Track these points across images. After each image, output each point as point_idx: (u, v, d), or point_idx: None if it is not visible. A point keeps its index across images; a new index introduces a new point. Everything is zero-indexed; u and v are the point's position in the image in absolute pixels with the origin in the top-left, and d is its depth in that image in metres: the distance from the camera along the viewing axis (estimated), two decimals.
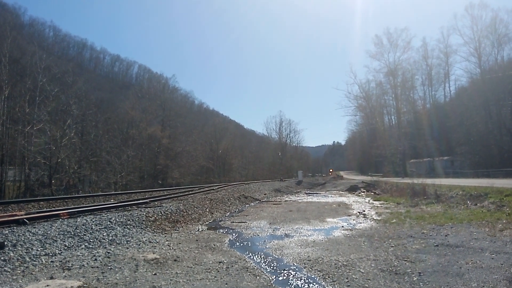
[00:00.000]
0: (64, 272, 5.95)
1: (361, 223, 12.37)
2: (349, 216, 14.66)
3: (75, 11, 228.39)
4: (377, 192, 28.90)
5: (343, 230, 10.89)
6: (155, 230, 10.43)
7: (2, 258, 6.12)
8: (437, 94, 68.52)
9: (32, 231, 7.85)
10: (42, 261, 6.41)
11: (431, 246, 7.80)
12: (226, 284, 5.57)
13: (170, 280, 5.71)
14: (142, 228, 10.18)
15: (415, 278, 5.57)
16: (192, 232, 10.89)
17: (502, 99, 46.01)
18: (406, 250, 7.59)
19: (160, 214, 12.31)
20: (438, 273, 5.75)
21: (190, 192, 22.74)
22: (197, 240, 9.43)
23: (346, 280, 5.63)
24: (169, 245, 8.52)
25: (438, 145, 54.59)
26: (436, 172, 44.80)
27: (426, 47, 64.62)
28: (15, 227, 8.28)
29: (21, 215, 9.73)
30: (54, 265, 6.27)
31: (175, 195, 19.87)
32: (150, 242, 8.81)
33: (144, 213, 11.87)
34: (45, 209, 12.59)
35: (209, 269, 6.40)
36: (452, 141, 52.73)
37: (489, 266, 6.01)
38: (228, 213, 16.65)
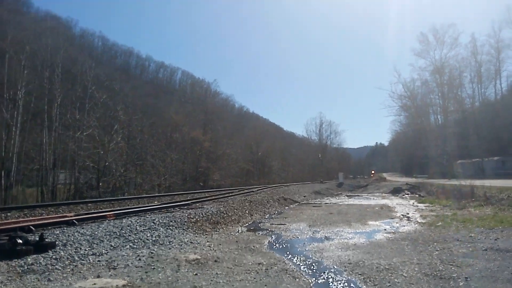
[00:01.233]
0: (110, 271, 6.18)
1: (404, 226, 12.00)
2: (392, 219, 14.26)
3: (122, 21, 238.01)
4: (422, 194, 27.90)
5: (386, 233, 10.61)
6: (196, 231, 10.62)
7: (53, 257, 6.46)
8: (487, 91, 64.45)
9: (81, 231, 8.25)
10: (89, 260, 6.71)
11: (479, 250, 7.43)
12: (265, 285, 5.59)
13: (211, 280, 5.79)
14: (184, 229, 10.40)
15: (461, 284, 5.34)
16: (232, 233, 11.01)
17: None
18: (452, 254, 7.28)
19: (201, 216, 12.53)
20: (487, 279, 5.48)
21: (230, 194, 22.97)
22: (237, 242, 9.51)
23: (388, 284, 5.48)
24: (209, 246, 8.65)
25: (488, 145, 51.69)
26: (486, 173, 42.59)
27: (475, 43, 61.15)
28: (65, 228, 8.74)
29: (71, 216, 10.25)
30: (101, 264, 6.53)
31: (216, 197, 20.14)
32: (191, 243, 8.98)
33: (186, 215, 12.13)
34: (93, 211, 13.15)
35: (249, 270, 6.45)
36: (503, 140, 49.69)
37: None
38: (268, 215, 16.67)
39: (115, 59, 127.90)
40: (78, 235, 7.90)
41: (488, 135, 53.68)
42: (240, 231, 11.57)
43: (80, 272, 6.01)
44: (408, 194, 30.21)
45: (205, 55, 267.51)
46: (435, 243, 8.47)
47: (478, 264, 6.33)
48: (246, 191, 27.33)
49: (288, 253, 8.25)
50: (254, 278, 5.94)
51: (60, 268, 6.11)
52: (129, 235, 8.66)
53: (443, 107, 63.37)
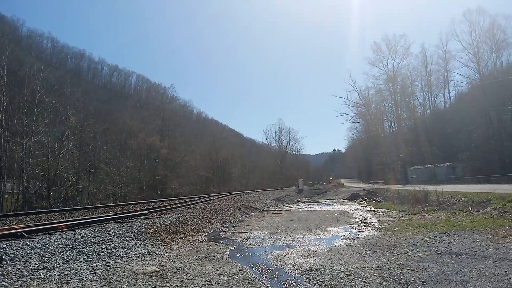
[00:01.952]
0: (62, 286, 5.85)
1: (363, 231, 12.29)
2: (351, 224, 14.58)
3: (72, 22, 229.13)
4: (378, 200, 28.81)
5: (345, 239, 10.82)
6: (154, 242, 10.32)
7: (0, 272, 6.04)
8: (437, 100, 68.81)
9: (30, 244, 7.75)
10: (40, 275, 6.32)
11: (434, 254, 7.72)
12: None
13: None
14: (141, 240, 10.08)
15: (418, 287, 5.50)
16: (192, 243, 10.81)
17: (502, 104, 46.07)
18: (408, 258, 7.51)
19: (159, 226, 12.21)
20: (442, 282, 5.68)
21: (190, 203, 22.64)
22: (197, 252, 9.34)
23: None
24: (168, 257, 8.43)
25: (439, 152, 54.57)
26: (438, 178, 44.79)
27: (425, 53, 65.00)
28: (13, 241, 8.19)
29: (19, 228, 9.64)
30: (53, 279, 6.17)
31: (175, 206, 19.78)
32: (149, 254, 8.71)
33: (143, 225, 11.76)
34: (43, 222, 12.50)
35: (210, 281, 6.32)
36: (453, 147, 52.68)
37: (493, 273, 5.93)
38: (228, 224, 16.56)
39: (65, 61, 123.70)
40: (27, 248, 7.41)
41: (439, 142, 56.72)
42: (200, 241, 11.38)
43: None
44: (365, 200, 31.06)
45: (161, 59, 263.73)
46: (393, 248, 8.72)
47: (434, 268, 6.56)
48: (206, 199, 27.06)
49: (249, 262, 8.19)
50: None
51: (7, 284, 5.70)
52: (83, 247, 8.25)
53: (396, 115, 65.99)
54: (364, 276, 6.29)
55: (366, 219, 16.00)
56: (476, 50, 53.46)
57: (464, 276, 5.93)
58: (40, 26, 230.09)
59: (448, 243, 8.80)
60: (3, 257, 6.65)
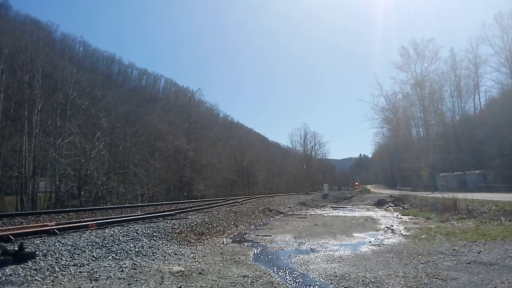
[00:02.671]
0: (91, 283, 6.01)
1: (389, 238, 12.05)
2: (377, 231, 14.32)
3: (104, 26, 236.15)
4: (405, 207, 28.14)
5: (371, 245, 10.64)
6: (180, 242, 10.46)
7: (33, 267, 6.26)
8: (467, 105, 66.33)
9: (62, 241, 8.02)
10: (70, 271, 6.51)
11: (463, 264, 7.48)
12: None
13: None
14: (168, 240, 10.23)
15: None
16: (217, 244, 10.88)
17: None
18: (436, 267, 7.31)
19: (185, 226, 12.37)
20: None
21: (215, 205, 22.81)
22: (222, 253, 9.40)
23: None
24: (194, 258, 8.52)
25: (469, 158, 52.85)
26: (467, 186, 43.42)
27: (455, 58, 63.11)
28: (46, 237, 8.51)
29: (52, 225, 9.99)
30: (82, 276, 6.35)
31: (200, 207, 19.98)
32: (175, 254, 8.83)
33: (170, 225, 11.95)
34: (74, 220, 12.89)
35: (234, 282, 6.35)
36: (483, 154, 50.86)
37: None
38: (253, 226, 16.58)
39: (97, 65, 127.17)
40: (59, 245, 7.67)
41: (468, 149, 54.91)
42: (225, 243, 11.44)
43: (60, 284, 5.82)
44: (392, 206, 30.42)
45: (189, 63, 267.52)
46: (420, 256, 8.52)
47: (462, 278, 6.37)
48: (231, 201, 27.20)
49: (273, 265, 8.18)
50: None
51: (39, 279, 5.91)
52: (112, 246, 8.46)
53: (425, 120, 64.66)
54: (390, 284, 6.16)
55: (392, 226, 15.68)
56: (508, 54, 51.83)
57: (495, 287, 5.73)
58: (73, 30, 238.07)
59: (478, 253, 8.51)
60: (37, 252, 6.91)
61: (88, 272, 6.57)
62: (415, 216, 19.88)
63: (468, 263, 7.52)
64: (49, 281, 5.91)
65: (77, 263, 6.97)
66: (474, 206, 18.05)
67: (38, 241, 7.86)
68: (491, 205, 16.91)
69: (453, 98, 66.37)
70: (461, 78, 63.50)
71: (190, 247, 10.06)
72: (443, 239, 10.99)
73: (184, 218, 14.53)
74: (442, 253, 8.77)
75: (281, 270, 7.59)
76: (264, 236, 13.20)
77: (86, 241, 8.36)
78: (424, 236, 11.91)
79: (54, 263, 6.67)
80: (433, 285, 5.97)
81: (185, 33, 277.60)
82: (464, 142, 57.30)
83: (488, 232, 11.60)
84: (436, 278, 6.42)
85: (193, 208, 19.08)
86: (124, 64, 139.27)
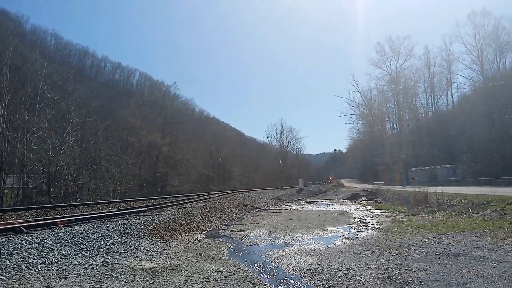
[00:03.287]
0: (60, 281, 5.87)
1: (362, 232, 12.28)
2: (350, 224, 14.56)
3: (77, 19, 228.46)
4: (378, 201, 28.77)
5: (344, 239, 10.81)
6: (153, 238, 10.33)
7: None
8: (440, 102, 68.64)
9: (29, 239, 7.78)
10: (38, 269, 6.34)
11: (432, 255, 7.71)
12: None
13: None
14: (140, 237, 10.09)
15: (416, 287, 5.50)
16: (190, 240, 10.82)
17: (505, 106, 46.03)
18: (407, 259, 7.50)
19: (158, 223, 12.22)
20: (439, 282, 5.67)
21: (189, 200, 22.67)
22: (195, 249, 9.35)
23: None
24: (167, 254, 8.44)
25: (440, 153, 54.49)
26: (438, 180, 44.79)
27: (429, 55, 64.93)
28: (12, 235, 8.22)
29: (18, 223, 9.66)
30: (51, 274, 6.19)
31: (174, 203, 19.79)
32: (148, 251, 8.72)
33: (142, 222, 11.79)
34: (42, 217, 12.52)
35: (208, 278, 6.32)
36: (455, 149, 52.65)
37: (491, 275, 5.92)
38: (228, 222, 16.57)
39: (69, 58, 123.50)
40: (26, 243, 7.44)
41: (440, 144, 56.65)
42: (199, 238, 11.39)
43: (28, 283, 5.66)
44: (365, 200, 31.02)
45: (164, 57, 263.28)
46: (391, 249, 8.71)
47: (432, 269, 6.56)
48: (206, 197, 27.08)
49: (248, 260, 8.20)
50: (213, 286, 5.83)
51: (5, 278, 5.72)
52: (82, 243, 8.27)
53: (399, 116, 66.11)
54: (362, 276, 6.28)
55: (365, 219, 15.98)
56: (480, 52, 53.49)
57: (462, 277, 5.92)
58: (44, 22, 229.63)
59: (447, 244, 8.79)
60: (2, 251, 6.67)
61: (57, 270, 6.41)
62: (388, 210, 20.34)
63: (437, 254, 7.75)
64: (15, 280, 5.74)
65: (45, 261, 6.79)
66: (444, 199, 18.65)
67: (4, 240, 7.59)
68: (460, 199, 17.52)
69: (427, 94, 68.52)
70: (435, 75, 65.59)
71: (163, 243, 9.96)
72: (414, 231, 11.29)
73: (157, 214, 14.36)
74: (413, 245, 9.00)
75: (256, 265, 7.62)
76: (238, 231, 13.20)
77: (54, 238, 8.15)
78: (396, 229, 12.19)
79: (21, 262, 6.48)
80: (404, 276, 6.12)
81: (161, 27, 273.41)
82: (436, 138, 59.05)
83: (457, 224, 12.02)
84: (407, 269, 6.59)
85: (166, 204, 18.88)
86: (97, 57, 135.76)
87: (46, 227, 9.61)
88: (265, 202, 29.03)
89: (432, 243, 9.17)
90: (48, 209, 15.72)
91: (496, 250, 7.76)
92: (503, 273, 6.00)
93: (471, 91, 58.23)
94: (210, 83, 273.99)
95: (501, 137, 45.97)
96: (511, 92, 44.56)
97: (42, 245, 7.54)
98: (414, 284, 5.67)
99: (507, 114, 46.00)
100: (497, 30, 51.39)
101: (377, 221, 15.10)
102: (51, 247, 7.56)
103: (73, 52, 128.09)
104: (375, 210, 21.07)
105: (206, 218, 15.86)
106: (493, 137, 46.76)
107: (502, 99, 46.21)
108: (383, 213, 18.97)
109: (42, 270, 6.33)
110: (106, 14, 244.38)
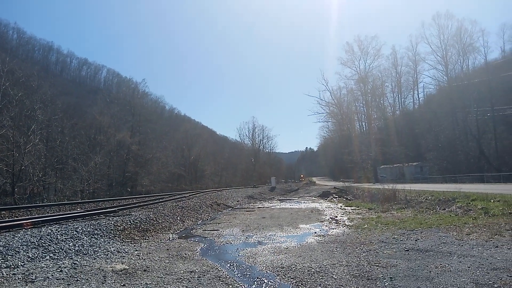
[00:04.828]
0: (27, 285, 5.66)
1: (333, 229, 12.47)
2: (322, 222, 14.77)
3: (40, 13, 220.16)
4: (349, 198, 29.29)
5: (316, 236, 10.95)
6: (123, 239, 10.13)
7: None
8: (407, 101, 70.95)
9: None
10: (3, 273, 6.09)
11: (402, 251, 7.92)
12: None
13: None
14: (110, 238, 9.87)
15: (386, 283, 5.61)
16: (162, 241, 10.67)
17: (468, 106, 48.01)
18: (377, 255, 7.67)
19: (129, 223, 11.99)
20: (409, 278, 5.83)
21: (161, 200, 22.35)
22: (167, 249, 9.23)
23: (320, 287, 5.62)
24: (138, 255, 8.29)
25: (408, 151, 56.09)
26: (406, 177, 45.99)
27: (396, 55, 66.91)
28: None
29: None
30: (17, 278, 5.96)
31: (145, 203, 19.46)
32: (118, 252, 8.54)
33: (112, 222, 11.53)
34: (6, 219, 12.02)
35: (180, 279, 6.25)
36: (421, 147, 54.34)
37: (457, 269, 6.14)
38: (200, 221, 16.46)
39: (32, 53, 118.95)
40: None
41: (408, 142, 58.37)
42: (171, 239, 11.25)
43: None
44: (336, 197, 31.50)
45: (132, 54, 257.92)
46: (362, 245, 8.89)
47: (401, 264, 6.74)
48: (177, 196, 26.77)
49: (221, 259, 8.17)
50: (186, 287, 5.77)
51: None
52: (49, 245, 8.01)
53: (367, 115, 67.69)
54: (334, 273, 6.38)
55: (336, 217, 16.25)
56: (444, 53, 55.41)
57: (430, 272, 6.11)
58: (6, 16, 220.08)
59: (416, 240, 9.05)
60: None
61: (23, 273, 6.18)
62: (358, 207, 20.75)
63: (406, 250, 7.96)
64: None
65: (10, 265, 6.54)
66: (412, 196, 19.20)
67: None
68: (428, 195, 18.09)
69: (394, 93, 70.68)
70: (402, 75, 67.72)
71: (134, 244, 9.79)
72: (384, 228, 11.57)
73: (127, 214, 14.07)
74: (383, 241, 9.22)
75: (229, 264, 7.59)
76: (211, 230, 13.14)
77: (20, 241, 7.84)
78: (366, 226, 12.46)
79: None
80: (374, 273, 6.25)
81: (129, 22, 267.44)
82: (404, 136, 60.83)
83: (425, 220, 12.41)
84: (377, 265, 6.73)
85: (137, 204, 18.54)
86: (62, 53, 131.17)
87: (11, 229, 9.23)
88: (238, 201, 29.04)
89: (401, 239, 9.43)
90: (12, 211, 15.17)
91: (462, 245, 8.06)
92: (469, 267, 6.23)
93: (436, 90, 60.58)
94: (181, 80, 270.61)
95: (464, 136, 47.84)
96: (473, 92, 46.37)
97: (7, 248, 7.24)
98: (385, 280, 5.79)
99: (470, 113, 47.96)
100: (460, 31, 53.34)
101: (348, 218, 15.38)
102: (16, 249, 7.28)
103: (37, 47, 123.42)
104: (346, 207, 21.45)
105: (178, 218, 15.70)
106: (457, 135, 48.61)
107: (465, 98, 48.16)
108: (354, 210, 19.35)
109: (7, 274, 6.08)
110: (71, 8, 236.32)
